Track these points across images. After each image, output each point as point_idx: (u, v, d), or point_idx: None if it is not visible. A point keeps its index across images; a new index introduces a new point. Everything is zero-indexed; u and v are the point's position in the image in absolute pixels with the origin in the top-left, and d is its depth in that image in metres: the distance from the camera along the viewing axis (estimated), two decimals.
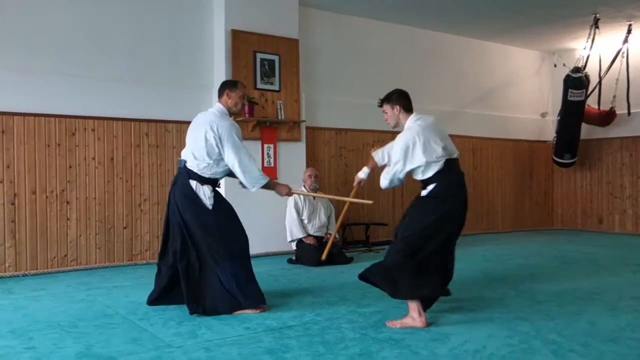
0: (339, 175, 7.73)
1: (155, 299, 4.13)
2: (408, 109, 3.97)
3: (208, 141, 3.97)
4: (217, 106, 4.16)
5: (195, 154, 4.01)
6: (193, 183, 3.99)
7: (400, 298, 3.73)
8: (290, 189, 4.38)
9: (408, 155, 3.74)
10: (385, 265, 3.71)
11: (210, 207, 4.00)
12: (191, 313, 3.85)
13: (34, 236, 5.75)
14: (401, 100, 3.99)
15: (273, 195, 6.73)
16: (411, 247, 3.62)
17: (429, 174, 3.75)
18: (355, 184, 4.49)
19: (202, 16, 6.79)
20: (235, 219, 4.16)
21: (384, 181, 3.88)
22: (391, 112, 3.98)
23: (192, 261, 3.95)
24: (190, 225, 3.96)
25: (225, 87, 4.21)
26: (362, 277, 3.83)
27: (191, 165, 4.02)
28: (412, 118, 3.91)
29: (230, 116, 4.16)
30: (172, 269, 4.01)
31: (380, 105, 4.08)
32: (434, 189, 3.74)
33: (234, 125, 4.07)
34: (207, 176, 4.02)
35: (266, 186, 4.15)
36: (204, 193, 4.00)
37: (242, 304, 3.92)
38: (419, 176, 3.81)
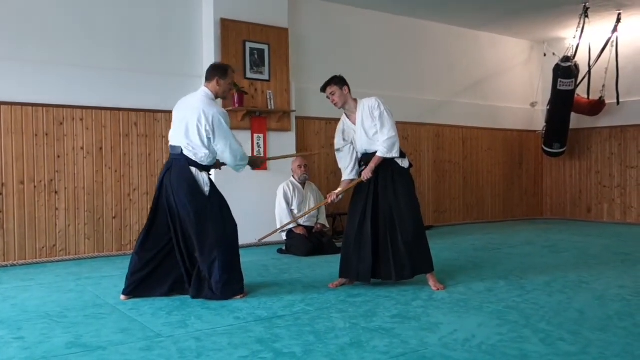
0: (329, 165, 7.72)
1: (135, 289, 4.09)
2: (350, 91, 4.45)
3: (201, 132, 3.97)
4: (204, 91, 4.13)
5: (191, 145, 4.00)
6: (193, 169, 4.01)
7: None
8: (262, 160, 4.83)
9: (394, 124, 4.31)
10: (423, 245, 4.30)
11: (207, 194, 4.03)
12: (194, 297, 4.01)
13: (22, 226, 5.70)
14: (346, 83, 4.43)
15: (263, 184, 6.79)
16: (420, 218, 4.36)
17: None
18: (328, 197, 4.54)
19: (192, 5, 6.73)
20: (227, 208, 4.20)
21: (394, 149, 4.26)
22: (340, 93, 4.38)
23: (182, 247, 4.03)
24: (184, 210, 3.98)
25: (216, 74, 4.15)
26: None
27: (188, 153, 4.01)
28: (366, 98, 4.40)
29: (216, 99, 4.18)
30: (157, 255, 4.07)
31: (324, 90, 4.42)
32: (409, 161, 4.41)
33: (224, 113, 4.09)
34: (205, 164, 4.06)
35: (249, 163, 4.33)
36: (203, 180, 4.04)
37: (231, 290, 4.04)
38: None
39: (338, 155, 4.56)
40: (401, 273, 4.25)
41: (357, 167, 4.51)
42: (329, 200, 4.49)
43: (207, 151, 4.02)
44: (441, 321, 3.44)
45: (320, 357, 2.83)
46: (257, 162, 4.57)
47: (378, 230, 4.31)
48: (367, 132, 4.35)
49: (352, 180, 4.49)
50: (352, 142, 4.48)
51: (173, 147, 4.10)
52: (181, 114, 4.09)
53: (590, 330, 3.22)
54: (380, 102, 4.33)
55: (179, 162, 4.04)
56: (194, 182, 4.00)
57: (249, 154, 6.75)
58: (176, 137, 4.08)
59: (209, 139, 4.00)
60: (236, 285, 4.09)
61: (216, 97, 4.17)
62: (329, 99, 4.45)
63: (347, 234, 4.45)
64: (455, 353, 2.86)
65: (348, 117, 4.52)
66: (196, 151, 4.01)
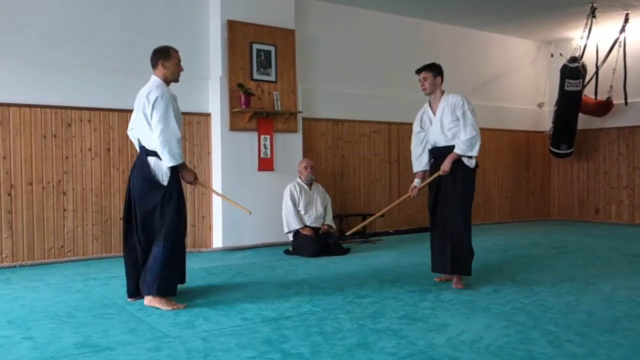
0: (336, 166, 7.73)
1: (135, 290, 4.04)
2: (442, 83, 4.52)
3: (147, 118, 3.86)
4: (151, 79, 4.00)
5: (143, 134, 3.92)
6: (151, 160, 3.90)
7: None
8: (196, 177, 4.11)
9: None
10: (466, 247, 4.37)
11: (165, 183, 3.89)
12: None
13: (30, 227, 5.73)
14: (442, 74, 4.53)
15: (269, 185, 6.80)
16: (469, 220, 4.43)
17: None
18: (410, 192, 4.62)
19: (198, 7, 6.75)
20: (184, 202, 4.04)
21: (474, 148, 4.35)
22: (432, 80, 4.47)
23: (141, 243, 3.94)
24: (140, 201, 3.89)
25: (159, 57, 4.00)
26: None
27: (144, 143, 3.95)
28: (452, 93, 4.48)
29: (168, 85, 4.02)
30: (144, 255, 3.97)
31: (419, 72, 4.51)
32: (476, 162, 4.43)
33: (165, 96, 3.88)
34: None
35: (178, 166, 3.93)
36: (161, 169, 3.89)
37: (153, 287, 3.84)
38: None
39: (413, 140, 4.68)
40: (443, 266, 4.43)
41: (427, 157, 4.61)
42: (411, 195, 4.61)
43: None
44: (449, 322, 3.44)
45: (328, 358, 2.83)
46: (187, 174, 4.05)
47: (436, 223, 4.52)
48: (443, 126, 4.43)
49: (425, 172, 4.63)
50: (426, 131, 4.59)
51: (137, 141, 4.06)
52: (135, 110, 4.02)
53: (599, 332, 3.20)
54: (465, 100, 4.41)
55: (140, 155, 4.00)
56: (149, 172, 3.88)
57: (255, 154, 6.78)
58: (134, 131, 4.06)
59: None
60: (171, 285, 3.92)
61: (166, 81, 4.00)
62: (420, 82, 4.52)
63: (429, 229, 4.67)
64: (462, 354, 2.86)
65: (430, 106, 4.59)
66: (149, 140, 3.89)
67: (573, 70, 8.53)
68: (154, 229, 3.90)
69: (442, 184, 4.43)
